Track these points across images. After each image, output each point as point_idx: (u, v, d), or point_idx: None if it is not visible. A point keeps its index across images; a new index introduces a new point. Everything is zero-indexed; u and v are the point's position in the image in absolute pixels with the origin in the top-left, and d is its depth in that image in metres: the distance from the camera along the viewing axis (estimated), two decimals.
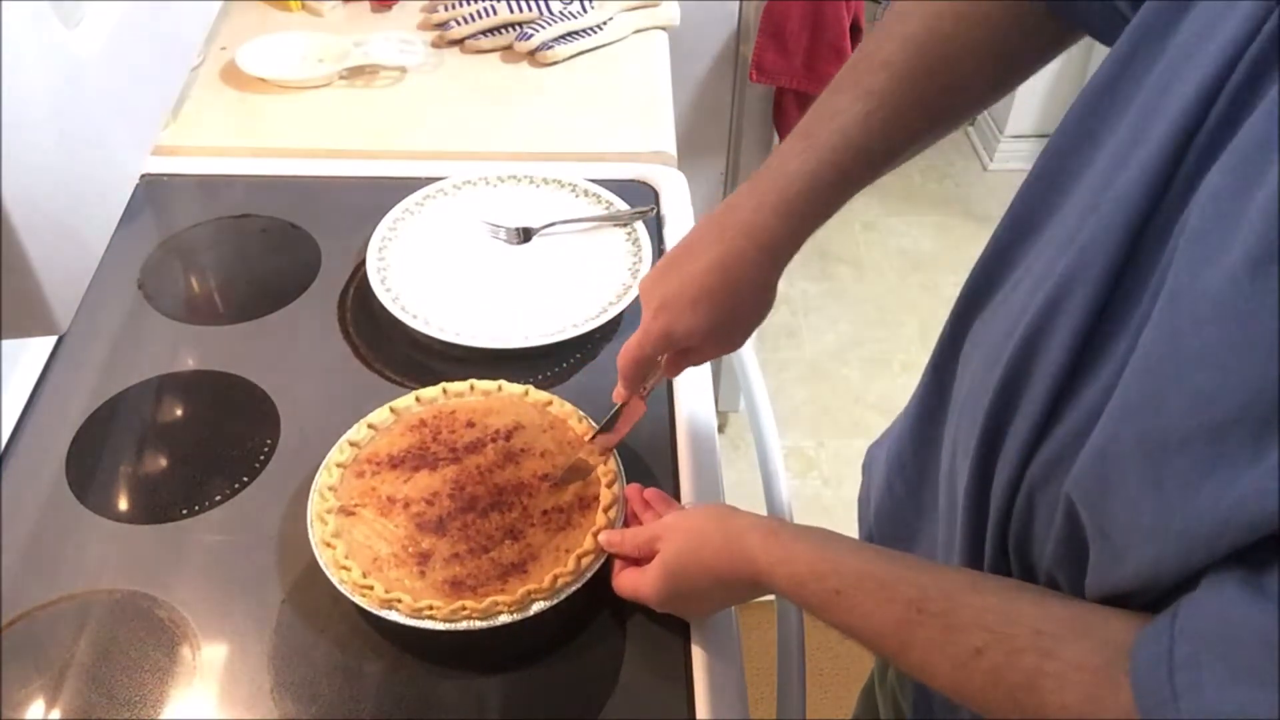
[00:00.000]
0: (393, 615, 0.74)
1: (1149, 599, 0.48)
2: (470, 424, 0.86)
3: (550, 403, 0.88)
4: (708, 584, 0.71)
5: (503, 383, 0.90)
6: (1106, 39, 0.61)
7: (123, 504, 0.86)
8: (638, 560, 0.76)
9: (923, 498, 0.73)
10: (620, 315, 1.00)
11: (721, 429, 2.17)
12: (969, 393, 0.62)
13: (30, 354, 0.96)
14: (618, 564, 0.78)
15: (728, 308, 0.72)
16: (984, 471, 0.58)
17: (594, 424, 0.86)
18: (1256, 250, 0.40)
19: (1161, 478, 0.44)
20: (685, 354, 0.78)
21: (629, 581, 0.76)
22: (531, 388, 0.89)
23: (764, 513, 0.90)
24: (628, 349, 0.77)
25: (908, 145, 0.71)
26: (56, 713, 0.73)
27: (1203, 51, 0.48)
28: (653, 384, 0.81)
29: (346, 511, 0.80)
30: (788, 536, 0.66)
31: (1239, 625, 0.41)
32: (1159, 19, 0.53)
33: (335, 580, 0.75)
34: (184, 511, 0.85)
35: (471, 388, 0.89)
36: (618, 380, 0.80)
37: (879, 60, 0.69)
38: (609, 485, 0.82)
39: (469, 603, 0.74)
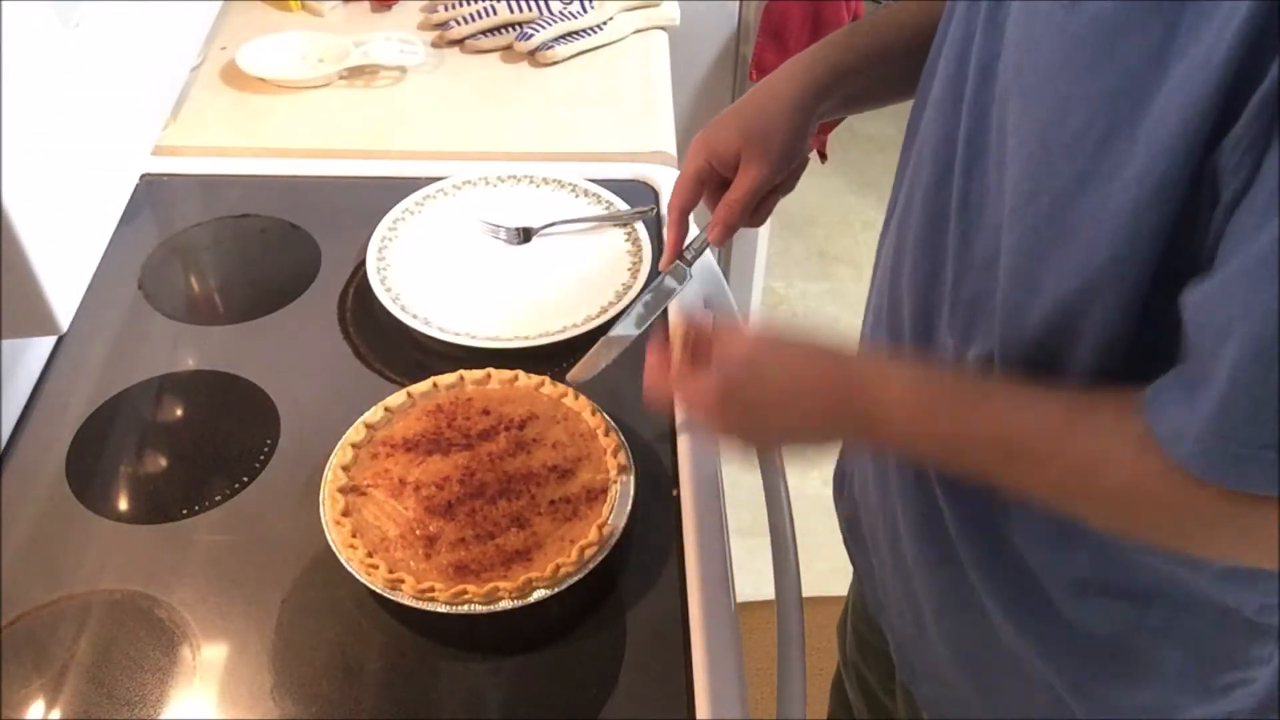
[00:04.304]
0: (396, 595, 0.74)
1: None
2: (485, 411, 0.87)
3: (566, 394, 0.89)
4: (783, 386, 0.63)
5: (520, 373, 0.90)
6: None
7: (123, 504, 0.86)
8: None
9: None
10: (620, 315, 0.99)
11: None
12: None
13: (30, 354, 0.96)
14: (658, 367, 0.68)
15: (758, 121, 0.78)
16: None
17: (608, 417, 0.87)
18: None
19: (1065, 216, 0.53)
20: (749, 194, 0.80)
21: (687, 387, 0.66)
22: (548, 379, 0.90)
23: (764, 515, 0.90)
24: (675, 184, 0.82)
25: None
26: (56, 713, 0.73)
27: None
28: (694, 248, 0.84)
29: (358, 491, 0.81)
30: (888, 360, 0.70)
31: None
32: None
33: (343, 558, 0.76)
34: (184, 511, 0.85)
35: (489, 376, 0.90)
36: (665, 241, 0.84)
37: None
38: (614, 479, 0.82)
39: (471, 587, 0.74)
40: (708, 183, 0.81)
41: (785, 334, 0.65)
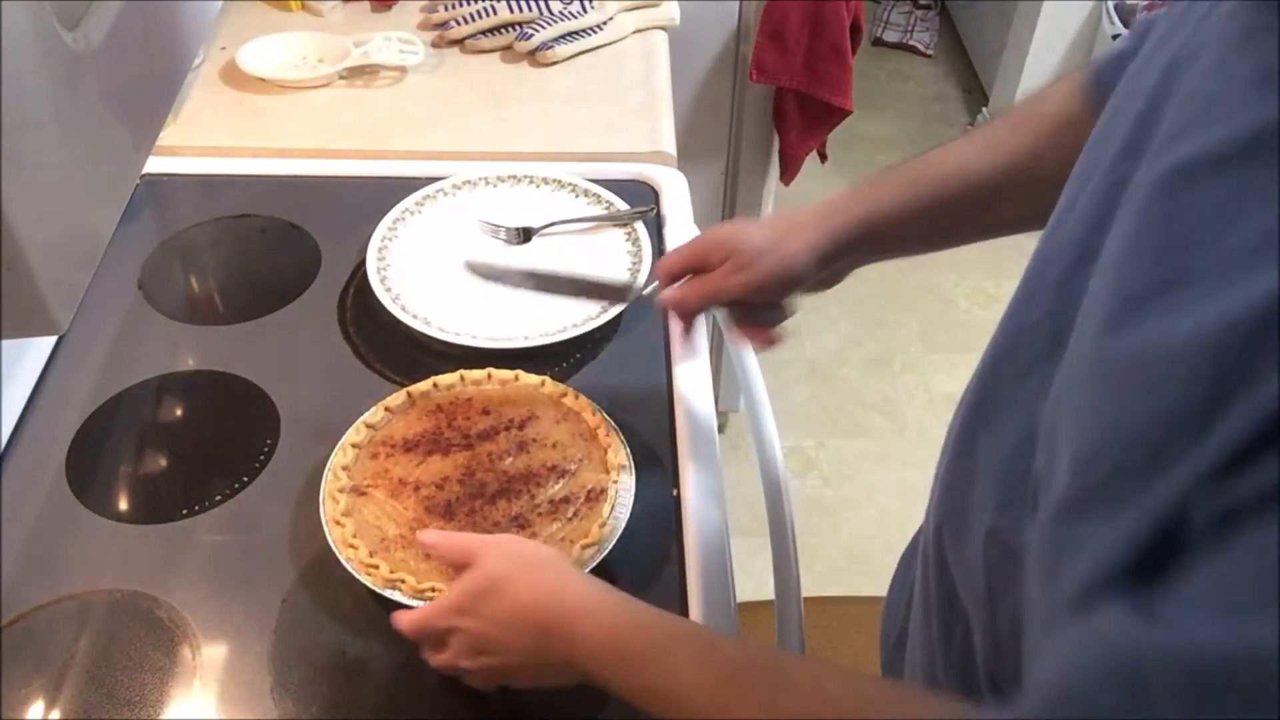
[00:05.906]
0: (396, 595, 0.74)
1: None
2: (485, 411, 0.87)
3: (566, 394, 0.89)
4: (507, 620, 0.63)
5: (520, 373, 0.90)
6: None
7: (123, 504, 0.86)
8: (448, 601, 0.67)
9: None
10: (620, 315, 1.00)
11: (721, 429, 2.17)
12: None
13: (30, 354, 0.96)
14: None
15: (767, 239, 0.77)
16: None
17: (607, 417, 0.87)
18: (1103, 312, 0.41)
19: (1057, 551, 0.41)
20: (710, 291, 0.79)
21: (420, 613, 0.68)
22: (548, 379, 0.90)
23: (763, 512, 0.90)
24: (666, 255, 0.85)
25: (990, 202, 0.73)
26: (56, 713, 0.73)
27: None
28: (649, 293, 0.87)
29: (358, 491, 0.81)
30: (611, 594, 0.63)
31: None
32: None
33: (343, 559, 0.76)
34: (184, 511, 0.85)
35: (489, 376, 0.90)
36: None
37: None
38: (614, 479, 0.82)
39: None
40: (700, 267, 0.80)
41: (524, 560, 0.65)
